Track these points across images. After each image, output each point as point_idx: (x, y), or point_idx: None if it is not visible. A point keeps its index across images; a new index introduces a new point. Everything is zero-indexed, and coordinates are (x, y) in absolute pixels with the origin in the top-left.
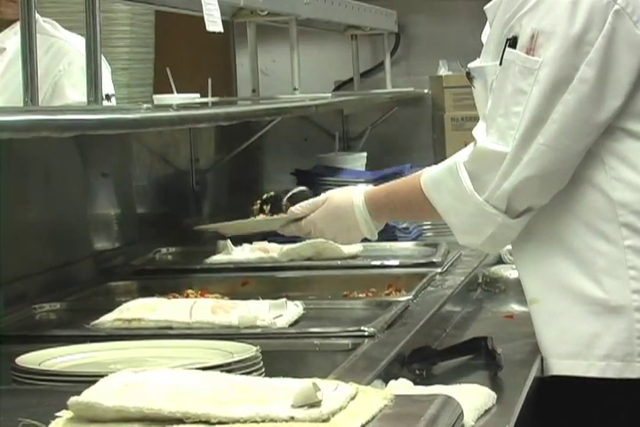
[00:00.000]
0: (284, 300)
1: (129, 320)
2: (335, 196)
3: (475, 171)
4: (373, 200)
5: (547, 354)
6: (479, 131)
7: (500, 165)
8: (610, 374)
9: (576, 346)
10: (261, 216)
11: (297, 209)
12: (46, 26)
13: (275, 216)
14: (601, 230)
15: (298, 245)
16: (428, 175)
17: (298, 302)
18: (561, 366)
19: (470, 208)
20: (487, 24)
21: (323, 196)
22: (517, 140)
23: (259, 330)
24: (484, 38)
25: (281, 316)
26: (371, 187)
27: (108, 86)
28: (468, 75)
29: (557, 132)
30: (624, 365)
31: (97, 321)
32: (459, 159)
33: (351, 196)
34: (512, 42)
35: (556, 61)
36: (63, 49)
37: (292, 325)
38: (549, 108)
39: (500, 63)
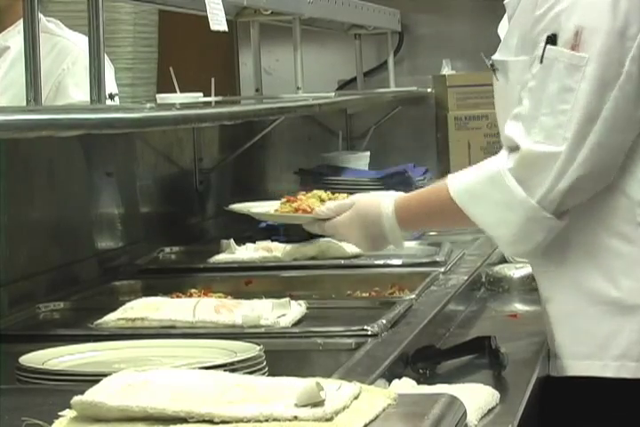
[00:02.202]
0: (288, 299)
1: (132, 319)
2: (362, 202)
3: (523, 175)
4: (403, 210)
5: (561, 355)
6: (515, 132)
7: (551, 165)
8: (624, 374)
9: (591, 346)
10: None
11: (322, 211)
12: (50, 25)
13: (300, 214)
14: (620, 231)
15: (301, 244)
16: (460, 188)
17: (301, 302)
18: (576, 366)
19: (521, 216)
20: (505, 18)
21: (349, 200)
22: (570, 138)
23: (262, 329)
24: (501, 32)
25: (284, 315)
26: (399, 195)
27: (111, 86)
28: (492, 66)
29: (609, 130)
30: (639, 365)
31: (100, 320)
32: (499, 167)
33: (379, 204)
34: (552, 39)
35: (602, 57)
36: (67, 48)
37: (295, 324)
38: (600, 104)
39: (541, 61)
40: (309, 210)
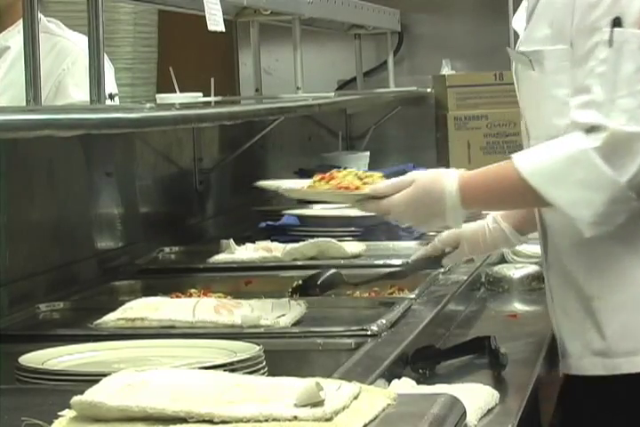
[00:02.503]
0: (287, 299)
1: (132, 320)
2: (423, 178)
3: (611, 155)
4: (468, 189)
5: (610, 353)
6: (592, 118)
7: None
8: None
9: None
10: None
11: (380, 188)
12: (50, 25)
13: (354, 191)
14: None
15: (301, 244)
16: (534, 169)
17: (301, 302)
18: (630, 363)
19: (607, 196)
20: (521, 11)
21: (408, 176)
22: None
23: (262, 329)
24: (517, 26)
25: (284, 315)
26: (462, 171)
27: (111, 86)
28: (523, 57)
29: None
30: None
31: (100, 320)
32: (581, 146)
33: (442, 181)
34: (617, 22)
35: None
36: (67, 48)
37: (294, 324)
38: None
39: (610, 45)
40: (353, 187)
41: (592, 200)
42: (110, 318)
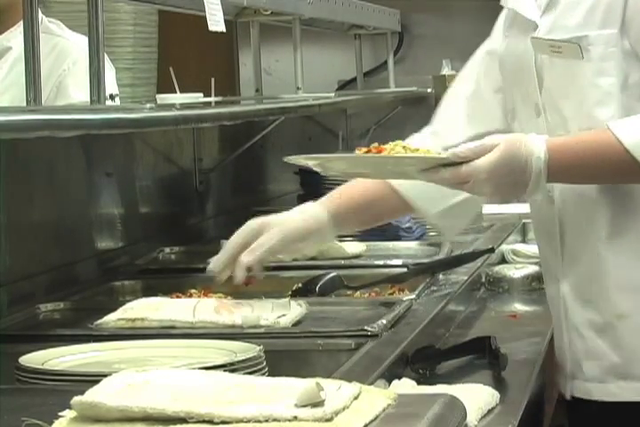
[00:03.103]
0: (288, 299)
1: (132, 320)
2: (507, 141)
3: None
4: (558, 156)
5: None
6: None
7: None
8: None
9: None
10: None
11: (462, 152)
12: (51, 26)
13: (425, 155)
14: None
15: None
16: (635, 139)
17: (301, 302)
18: None
19: None
20: (530, 2)
21: (489, 139)
22: None
23: (262, 329)
24: (530, 14)
25: (284, 315)
26: (545, 136)
27: (112, 87)
28: (565, 44)
29: None
30: None
31: (100, 320)
32: None
33: (529, 144)
34: None
35: None
36: (67, 49)
37: (295, 324)
38: None
39: None
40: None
41: None
42: (111, 319)
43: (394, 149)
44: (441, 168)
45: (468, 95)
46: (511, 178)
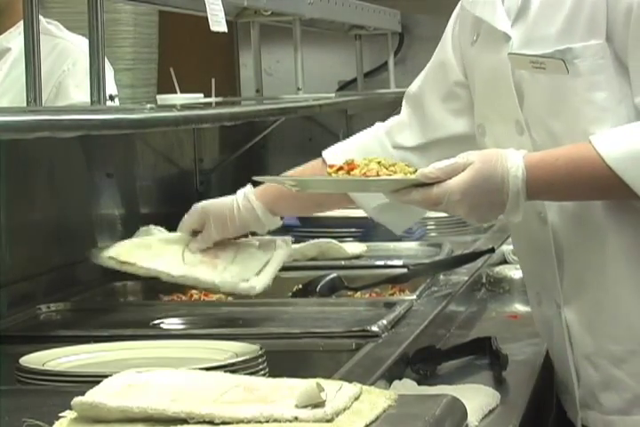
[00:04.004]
0: (274, 241)
1: (122, 262)
2: (481, 159)
3: None
4: (537, 172)
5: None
6: None
7: None
8: None
9: None
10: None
11: (431, 173)
12: (50, 27)
13: (394, 177)
14: None
15: (301, 245)
16: (620, 156)
17: (287, 238)
18: None
19: None
20: (497, 7)
21: (462, 157)
22: None
23: (262, 331)
24: (501, 25)
25: (266, 267)
26: (524, 152)
27: (111, 87)
28: (547, 59)
29: None
30: None
31: (95, 252)
32: None
33: (505, 162)
34: None
35: None
36: (67, 49)
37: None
38: None
39: None
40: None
41: None
42: (104, 254)
43: (368, 165)
44: (412, 189)
45: (413, 100)
46: (487, 198)
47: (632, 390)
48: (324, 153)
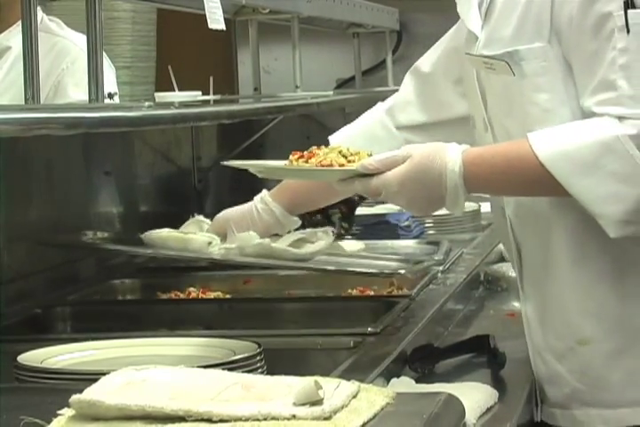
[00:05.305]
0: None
1: (184, 233)
2: (420, 153)
3: None
4: (473, 169)
5: (613, 403)
6: (619, 110)
7: None
8: None
9: None
10: (311, 163)
11: (370, 164)
12: (51, 24)
13: (335, 167)
14: None
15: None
16: (555, 155)
17: (328, 229)
18: (638, 414)
19: None
20: (472, 8)
21: (403, 151)
22: None
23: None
24: (472, 25)
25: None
26: (465, 147)
27: (112, 86)
28: (494, 61)
29: None
30: None
31: (150, 232)
32: (614, 132)
33: (443, 157)
34: (629, 4)
35: None
36: (66, 48)
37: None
38: None
39: (628, 31)
40: (337, 165)
41: (623, 195)
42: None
43: (328, 154)
44: (355, 179)
45: (423, 79)
46: (425, 192)
47: (571, 385)
48: (330, 138)
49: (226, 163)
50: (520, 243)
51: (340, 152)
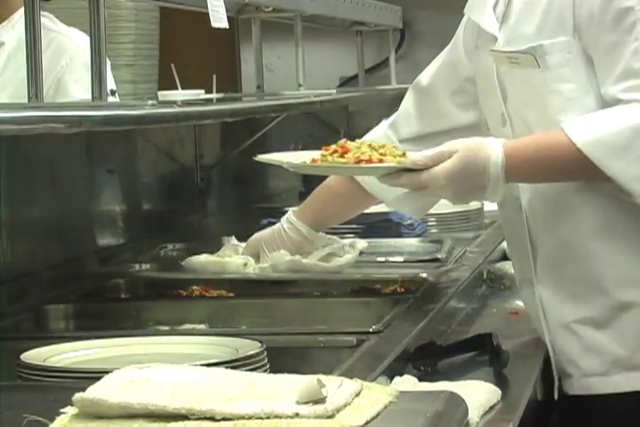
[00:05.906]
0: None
1: (221, 256)
2: (465, 148)
3: None
4: (514, 160)
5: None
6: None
7: None
8: None
9: None
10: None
11: (420, 160)
12: (44, 20)
13: (382, 164)
14: None
15: None
16: (591, 140)
17: (360, 241)
18: None
19: None
20: (486, 10)
21: (448, 146)
22: None
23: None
24: (489, 26)
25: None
26: (504, 140)
27: (110, 82)
28: (521, 55)
29: None
30: None
31: (189, 258)
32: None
33: (486, 150)
34: None
35: None
36: (64, 44)
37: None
38: None
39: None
40: (376, 160)
41: None
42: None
43: (360, 147)
44: (402, 174)
45: (422, 92)
46: (469, 183)
47: (613, 353)
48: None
49: (258, 158)
50: (535, 231)
51: (369, 145)
